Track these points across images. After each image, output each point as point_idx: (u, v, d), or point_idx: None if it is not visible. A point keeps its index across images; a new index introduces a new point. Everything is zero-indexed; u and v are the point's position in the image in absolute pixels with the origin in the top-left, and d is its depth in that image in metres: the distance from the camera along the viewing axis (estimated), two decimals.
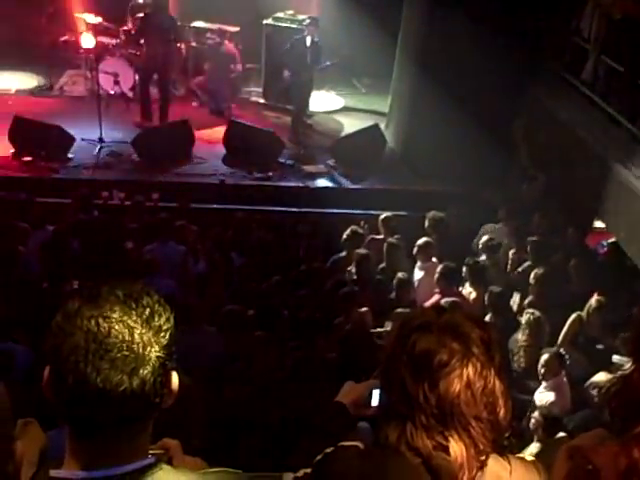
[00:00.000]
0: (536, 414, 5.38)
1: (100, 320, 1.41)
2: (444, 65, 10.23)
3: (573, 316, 6.61)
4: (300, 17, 12.40)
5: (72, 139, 10.35)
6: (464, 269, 7.57)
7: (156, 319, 1.47)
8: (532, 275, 7.28)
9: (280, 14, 12.74)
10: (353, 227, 8.36)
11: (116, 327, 1.41)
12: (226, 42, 12.49)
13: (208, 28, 12.89)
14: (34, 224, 8.20)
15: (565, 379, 5.95)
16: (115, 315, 1.42)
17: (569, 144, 8.97)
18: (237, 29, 12.89)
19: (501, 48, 9.82)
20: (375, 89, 13.62)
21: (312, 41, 11.19)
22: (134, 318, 1.44)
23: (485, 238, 8.38)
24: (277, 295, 6.95)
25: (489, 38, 9.77)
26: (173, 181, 10.15)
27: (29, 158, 10.09)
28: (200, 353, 5.67)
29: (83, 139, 10.67)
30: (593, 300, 6.65)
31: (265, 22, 12.63)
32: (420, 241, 8.04)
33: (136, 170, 10.32)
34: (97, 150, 10.66)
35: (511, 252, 8.35)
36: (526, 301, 7.23)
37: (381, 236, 8.50)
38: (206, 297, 6.88)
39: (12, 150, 10.19)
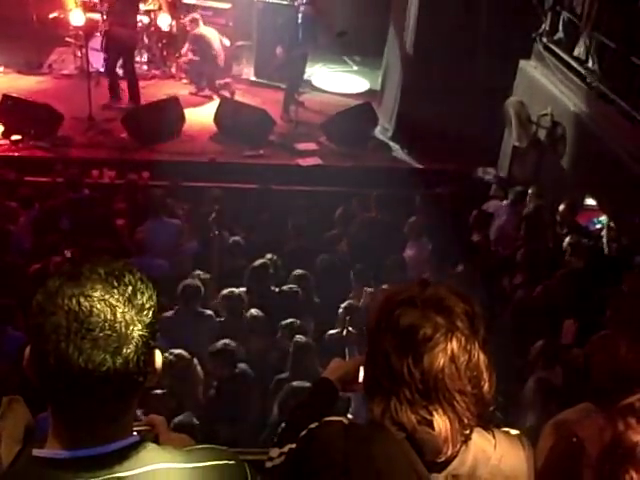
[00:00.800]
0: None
1: (81, 299, 1.39)
2: (436, 40, 10.18)
3: None
4: None
5: (61, 117, 10.27)
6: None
7: (138, 297, 1.44)
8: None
9: None
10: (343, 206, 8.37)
11: (98, 306, 1.39)
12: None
13: (198, 5, 12.77)
14: (24, 203, 8.17)
15: None
16: (96, 294, 1.40)
17: (561, 121, 8.94)
18: (228, 6, 12.78)
19: (494, 25, 9.81)
20: (366, 66, 13.55)
21: (305, 17, 11.09)
22: (116, 297, 1.41)
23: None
24: (270, 274, 6.91)
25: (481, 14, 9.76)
26: (163, 159, 10.09)
27: (18, 137, 10.02)
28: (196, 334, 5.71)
29: (73, 117, 10.61)
30: None
31: None
32: (411, 219, 8.03)
33: (126, 148, 10.25)
34: (87, 128, 10.60)
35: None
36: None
37: (371, 214, 8.49)
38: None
39: (0, 128, 10.12)
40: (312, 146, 10.87)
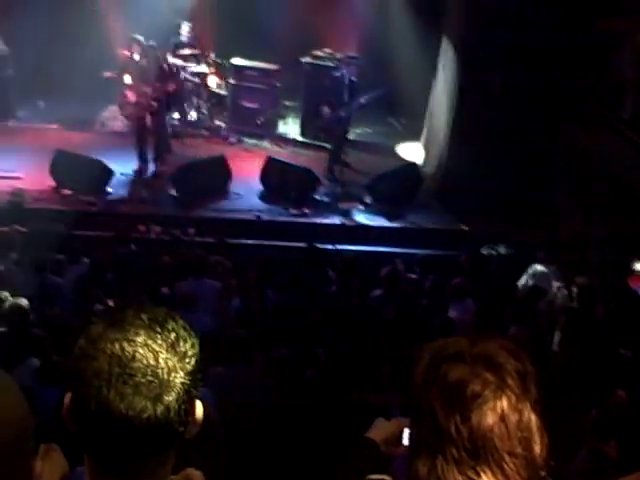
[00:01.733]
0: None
1: (124, 344, 1.38)
2: (481, 105, 10.24)
3: None
4: (338, 55, 12.50)
5: (111, 173, 10.48)
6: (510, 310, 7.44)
7: (181, 344, 1.42)
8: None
9: (319, 52, 12.88)
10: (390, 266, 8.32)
11: (140, 351, 1.37)
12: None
13: (247, 66, 13.04)
14: (71, 257, 8.29)
15: None
16: (140, 339, 1.39)
17: (609, 183, 8.86)
18: (276, 67, 13.02)
19: (539, 87, 9.84)
20: (411, 128, 13.62)
21: (350, 79, 11.26)
22: (159, 342, 1.40)
23: (530, 282, 8.24)
24: (314, 334, 6.86)
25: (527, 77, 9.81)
26: (209, 216, 10.20)
27: (69, 191, 10.23)
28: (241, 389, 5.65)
29: (122, 174, 10.82)
30: None
31: (304, 60, 12.77)
32: (454, 280, 7.95)
33: (173, 205, 10.40)
34: (135, 185, 10.81)
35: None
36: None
37: (415, 275, 8.45)
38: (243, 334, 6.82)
39: (53, 183, 10.34)
40: (357, 206, 10.89)
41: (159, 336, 1.40)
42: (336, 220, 10.50)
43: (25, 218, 9.30)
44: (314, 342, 6.65)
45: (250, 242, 9.69)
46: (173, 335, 1.42)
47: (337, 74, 11.56)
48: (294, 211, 10.47)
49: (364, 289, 8.21)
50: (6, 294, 6.87)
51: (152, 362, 1.37)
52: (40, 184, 10.38)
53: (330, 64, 12.48)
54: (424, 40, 12.32)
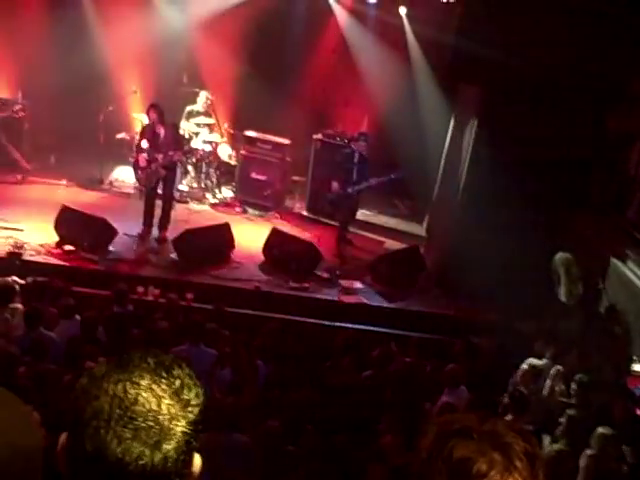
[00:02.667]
0: None
1: (128, 385, 1.34)
2: (488, 194, 10.32)
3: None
4: (349, 134, 12.69)
5: (115, 232, 10.50)
6: (506, 399, 7.34)
7: (186, 392, 1.39)
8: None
9: (330, 131, 13.11)
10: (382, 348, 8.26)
11: (144, 394, 1.34)
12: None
13: (259, 138, 13.23)
14: (65, 312, 8.22)
15: None
16: (144, 382, 1.35)
17: (614, 283, 8.86)
18: (288, 142, 13.21)
19: (547, 183, 9.95)
20: (416, 211, 13.74)
21: (360, 157, 11.40)
22: (163, 387, 1.36)
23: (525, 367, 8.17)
24: (304, 408, 6.77)
25: (536, 171, 9.93)
26: (209, 283, 10.18)
27: (71, 247, 10.23)
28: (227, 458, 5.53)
29: (125, 234, 10.85)
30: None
31: (315, 137, 12.98)
32: (449, 367, 7.88)
33: (174, 269, 10.38)
34: (138, 246, 10.84)
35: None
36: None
37: (410, 359, 8.37)
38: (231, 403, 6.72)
39: (56, 238, 10.36)
40: (357, 284, 10.89)
41: (164, 381, 1.37)
42: (335, 297, 10.47)
43: (24, 270, 9.30)
44: (303, 417, 6.56)
45: (248, 312, 9.63)
46: (178, 382, 1.39)
47: (347, 152, 11.70)
48: (294, 284, 10.45)
49: (356, 367, 8.12)
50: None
51: (154, 407, 1.34)
52: (43, 238, 10.40)
53: (340, 142, 12.67)
54: (435, 124, 12.60)
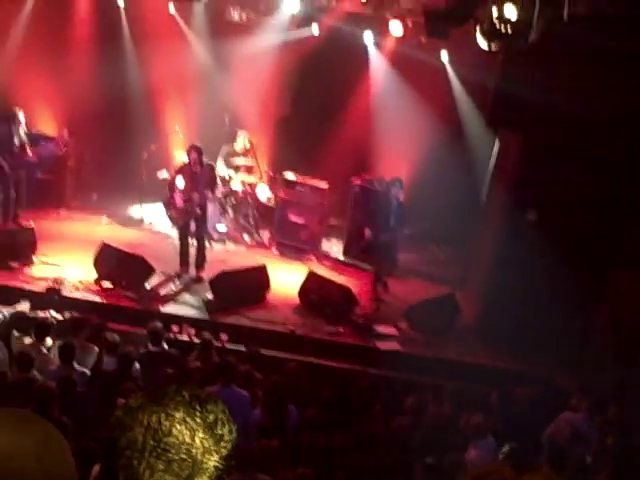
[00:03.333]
0: None
1: (162, 417, 1.34)
2: (524, 245, 10.26)
3: None
4: (387, 179, 12.71)
5: (152, 271, 10.59)
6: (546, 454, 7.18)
7: (219, 427, 1.38)
8: None
9: (368, 175, 13.16)
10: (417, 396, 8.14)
11: (178, 427, 1.34)
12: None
13: (297, 181, 13.31)
14: (102, 348, 8.29)
15: None
16: (178, 415, 1.35)
17: None
18: (326, 185, 13.27)
19: (583, 238, 9.90)
20: (454, 257, 13.66)
21: (397, 203, 11.39)
22: (197, 421, 1.36)
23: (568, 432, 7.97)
24: (336, 455, 6.69)
25: (573, 227, 9.90)
26: (244, 324, 10.18)
27: (109, 285, 10.34)
28: None
29: (162, 272, 10.94)
30: None
31: (353, 181, 13.04)
32: (475, 419, 7.72)
33: (209, 309, 10.41)
34: (174, 285, 10.91)
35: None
36: None
37: (445, 408, 8.23)
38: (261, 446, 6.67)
39: (95, 275, 10.48)
40: (392, 330, 10.80)
41: (198, 415, 1.37)
42: (370, 342, 10.39)
43: (62, 306, 9.41)
44: (335, 464, 6.48)
45: (282, 355, 9.60)
46: (212, 416, 1.39)
47: (384, 198, 11.70)
48: (329, 328, 10.40)
49: (390, 415, 8.01)
50: (37, 375, 6.90)
51: (188, 440, 1.34)
52: (82, 274, 10.53)
53: (378, 187, 12.70)
54: (471, 172, 12.60)
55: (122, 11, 14.21)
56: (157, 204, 13.30)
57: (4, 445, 1.33)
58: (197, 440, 1.35)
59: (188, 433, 1.35)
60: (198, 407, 1.39)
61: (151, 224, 13.21)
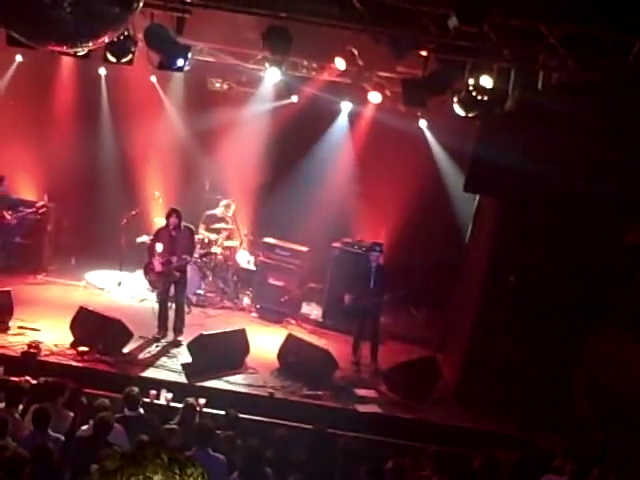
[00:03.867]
0: None
1: None
2: (505, 305, 10.32)
3: None
4: (367, 243, 12.79)
5: (130, 335, 10.48)
6: None
7: None
8: None
9: (348, 239, 13.24)
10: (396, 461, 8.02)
11: None
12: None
13: (278, 245, 13.36)
14: (77, 415, 8.13)
15: None
16: (157, 478, 1.33)
17: (632, 398, 8.68)
18: (306, 249, 13.32)
19: (565, 295, 9.96)
20: (433, 320, 13.66)
21: (377, 266, 11.43)
22: None
23: None
24: None
25: (553, 283, 9.97)
26: (222, 388, 10.06)
27: (85, 348, 10.20)
28: None
29: (141, 336, 10.84)
30: None
31: (333, 244, 13.11)
32: None
33: (187, 372, 10.28)
34: (152, 349, 10.81)
35: None
36: None
37: (426, 472, 8.12)
38: None
39: (71, 339, 10.36)
40: (372, 393, 10.71)
41: (177, 477, 1.34)
42: (349, 405, 10.28)
43: (37, 370, 9.26)
44: None
45: (261, 418, 9.46)
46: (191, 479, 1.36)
47: (363, 261, 11.75)
48: (308, 391, 10.30)
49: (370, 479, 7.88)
50: (10, 442, 6.73)
51: None
52: (58, 338, 10.41)
53: (358, 249, 12.77)
54: (450, 235, 12.72)
55: (103, 80, 14.41)
56: (136, 269, 13.27)
57: None
58: None
59: None
60: (177, 470, 1.37)
61: (130, 288, 13.14)
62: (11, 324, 10.62)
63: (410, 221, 13.46)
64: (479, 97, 9.78)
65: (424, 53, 9.58)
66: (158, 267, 11.11)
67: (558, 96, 9.14)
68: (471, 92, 9.78)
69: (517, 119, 9.44)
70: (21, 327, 10.63)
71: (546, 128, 9.48)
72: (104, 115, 14.49)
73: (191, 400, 9.02)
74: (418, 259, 12.92)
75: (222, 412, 9.03)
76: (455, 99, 10.05)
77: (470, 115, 10.02)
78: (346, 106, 13.99)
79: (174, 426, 8.31)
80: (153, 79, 14.28)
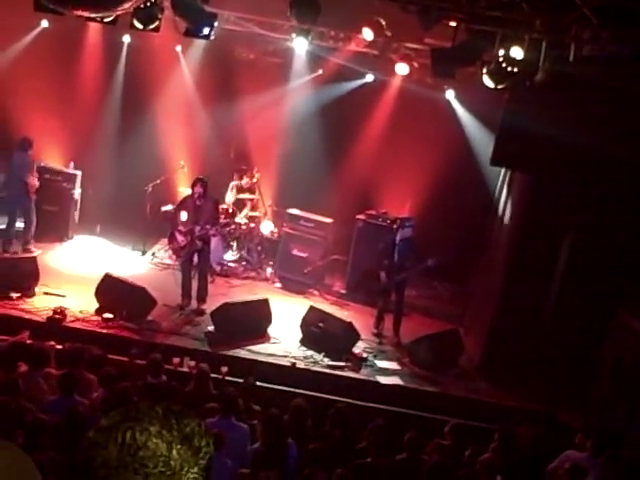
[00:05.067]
0: None
1: (137, 432, 1.30)
2: (531, 280, 10.23)
3: None
4: (391, 216, 12.72)
5: (154, 302, 10.54)
6: None
7: (196, 440, 1.34)
8: None
9: (372, 211, 13.18)
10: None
11: (154, 440, 1.29)
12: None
13: (302, 216, 13.33)
14: (103, 380, 8.19)
15: None
16: (153, 428, 1.30)
17: None
18: (331, 220, 13.28)
19: (594, 271, 9.88)
20: (457, 294, 13.61)
21: (401, 240, 11.33)
22: (174, 433, 1.31)
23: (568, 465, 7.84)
24: None
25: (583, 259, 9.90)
26: (244, 357, 10.10)
27: (110, 315, 10.28)
28: None
29: (165, 304, 10.90)
30: None
31: (357, 216, 13.05)
32: (484, 456, 7.62)
33: (210, 341, 10.33)
34: (176, 317, 10.86)
35: None
36: None
37: (446, 442, 8.12)
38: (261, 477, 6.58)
39: (96, 305, 10.44)
40: (394, 366, 10.70)
41: (175, 427, 1.32)
42: (371, 377, 10.29)
43: (63, 336, 9.34)
44: None
45: (282, 388, 9.50)
46: (188, 429, 1.34)
47: (388, 234, 11.69)
48: (330, 362, 10.32)
49: (390, 450, 7.89)
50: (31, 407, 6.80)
51: (165, 452, 1.29)
52: (83, 305, 10.48)
53: (383, 223, 12.71)
54: (476, 209, 12.61)
55: (125, 47, 14.39)
56: (160, 237, 13.32)
57: None
58: (174, 452, 1.31)
59: (165, 445, 1.31)
60: (174, 420, 1.35)
61: (154, 256, 13.21)
62: (37, 290, 10.71)
63: (436, 194, 13.36)
64: (509, 68, 9.61)
65: (453, 23, 9.43)
66: (182, 235, 11.13)
67: (590, 68, 8.97)
68: (501, 63, 9.61)
69: (547, 91, 9.27)
70: (47, 293, 10.73)
71: (577, 100, 9.31)
72: (126, 83, 14.45)
73: (204, 366, 9.06)
74: (444, 232, 12.81)
75: (243, 381, 9.06)
76: (484, 70, 9.89)
77: (499, 87, 9.86)
78: (373, 77, 13.87)
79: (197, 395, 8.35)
80: (178, 48, 14.23)
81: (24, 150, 12.29)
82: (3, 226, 12.52)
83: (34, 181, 12.34)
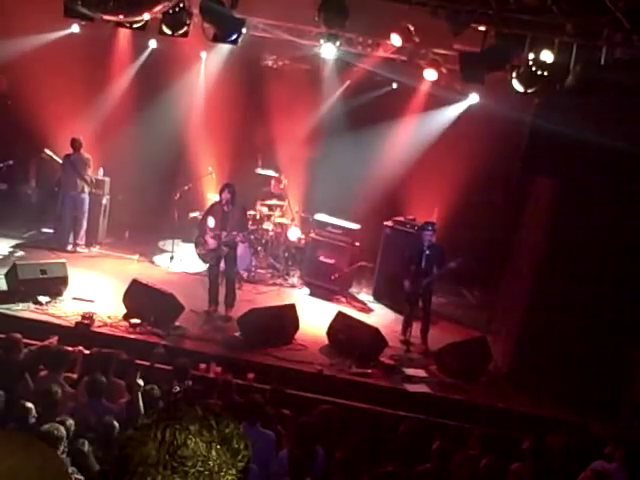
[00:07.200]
0: None
1: (177, 431, 1.28)
2: (558, 290, 10.09)
3: None
4: (419, 222, 12.64)
5: (182, 308, 10.55)
6: None
7: (235, 442, 1.32)
8: None
9: (400, 218, 13.10)
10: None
11: (193, 439, 1.28)
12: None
13: (329, 222, 13.30)
14: (129, 385, 8.21)
15: None
16: (193, 428, 1.29)
17: None
18: (358, 227, 13.23)
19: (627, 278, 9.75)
20: (484, 302, 13.48)
21: (429, 246, 11.24)
22: (214, 433, 1.30)
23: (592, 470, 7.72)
24: None
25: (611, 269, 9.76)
26: (271, 363, 10.07)
27: (137, 320, 10.31)
28: None
29: (192, 310, 10.91)
30: None
31: (385, 223, 12.99)
32: (514, 465, 7.51)
33: (237, 347, 10.33)
34: (203, 322, 10.87)
35: None
36: None
37: (474, 451, 8.01)
38: None
39: (124, 311, 10.48)
40: (421, 373, 10.61)
41: (214, 429, 1.30)
42: (398, 384, 10.21)
43: (91, 341, 9.38)
44: None
45: (309, 395, 9.46)
46: (228, 431, 1.32)
47: (416, 240, 11.59)
48: (357, 369, 10.25)
49: (416, 459, 7.81)
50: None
51: (204, 452, 1.28)
52: (111, 310, 10.54)
53: (410, 230, 12.62)
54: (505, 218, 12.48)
55: (147, 52, 14.51)
56: (188, 243, 13.36)
57: (4, 469, 1.28)
58: (213, 452, 1.30)
59: (204, 445, 1.29)
60: (213, 422, 1.34)
61: (182, 262, 13.25)
62: (66, 295, 10.78)
63: (464, 200, 13.25)
64: (539, 72, 9.52)
65: (482, 28, 9.36)
66: (210, 242, 11.14)
67: (621, 72, 8.85)
68: (531, 67, 9.52)
69: (578, 95, 9.16)
70: (75, 298, 10.80)
71: (609, 105, 9.19)
72: (154, 89, 14.51)
73: (228, 376, 9.03)
74: (471, 239, 12.70)
75: (270, 387, 9.03)
76: (514, 75, 9.80)
77: (529, 91, 9.76)
78: (397, 84, 13.86)
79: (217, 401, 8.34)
80: (203, 55, 14.31)
81: (78, 150, 13.01)
82: (51, 230, 13.21)
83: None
